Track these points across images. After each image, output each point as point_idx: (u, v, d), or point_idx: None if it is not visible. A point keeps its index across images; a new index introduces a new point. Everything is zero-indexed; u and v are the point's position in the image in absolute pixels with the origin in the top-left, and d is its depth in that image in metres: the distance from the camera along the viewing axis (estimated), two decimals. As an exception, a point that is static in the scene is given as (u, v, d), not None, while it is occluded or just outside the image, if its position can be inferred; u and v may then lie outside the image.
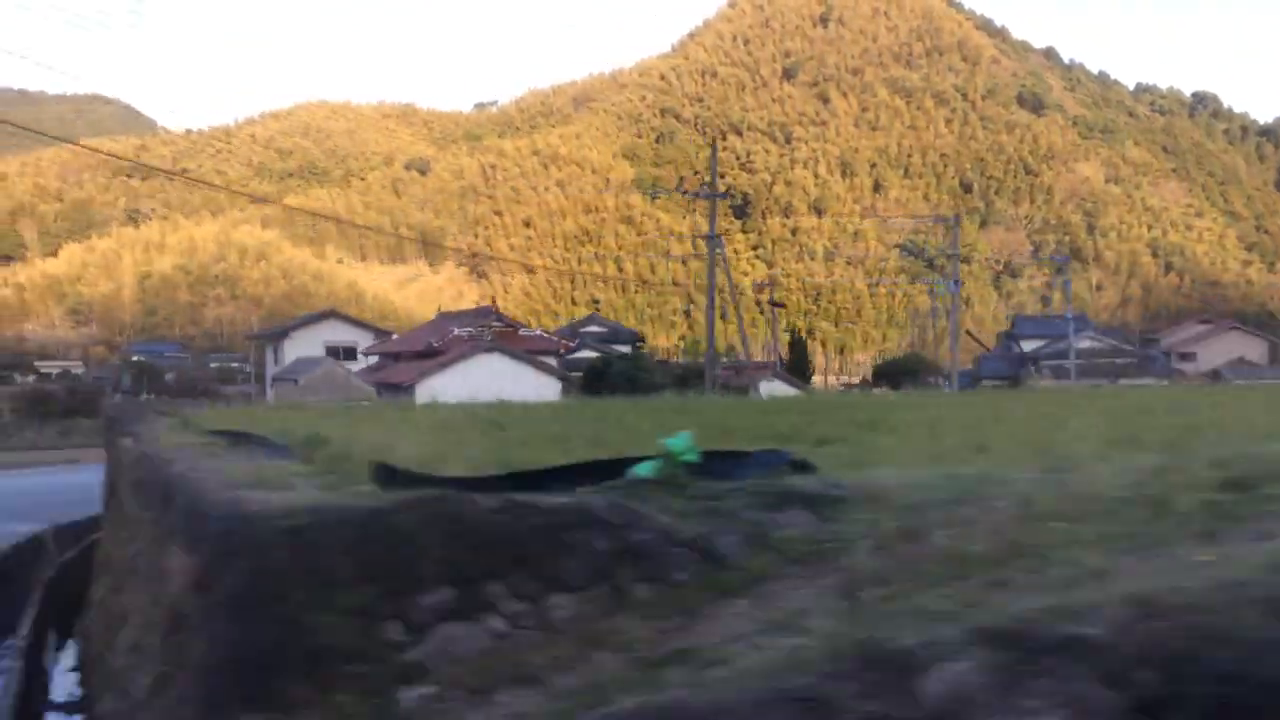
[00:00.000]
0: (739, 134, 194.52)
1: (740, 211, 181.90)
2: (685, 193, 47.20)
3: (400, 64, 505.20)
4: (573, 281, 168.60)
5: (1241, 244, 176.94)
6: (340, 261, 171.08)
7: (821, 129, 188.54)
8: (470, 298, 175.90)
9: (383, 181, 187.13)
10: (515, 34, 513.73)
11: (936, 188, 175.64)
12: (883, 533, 4.59)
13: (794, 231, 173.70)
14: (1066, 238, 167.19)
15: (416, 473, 5.83)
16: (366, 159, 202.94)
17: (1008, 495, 4.83)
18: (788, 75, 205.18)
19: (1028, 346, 66.41)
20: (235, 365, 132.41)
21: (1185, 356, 70.95)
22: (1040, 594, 2.98)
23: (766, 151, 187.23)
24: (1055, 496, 4.61)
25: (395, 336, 47.85)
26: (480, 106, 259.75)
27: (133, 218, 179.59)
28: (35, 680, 9.86)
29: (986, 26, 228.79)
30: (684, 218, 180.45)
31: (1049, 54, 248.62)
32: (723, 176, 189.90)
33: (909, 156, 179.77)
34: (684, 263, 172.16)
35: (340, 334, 46.98)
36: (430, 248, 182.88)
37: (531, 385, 35.93)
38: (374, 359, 42.71)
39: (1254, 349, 69.66)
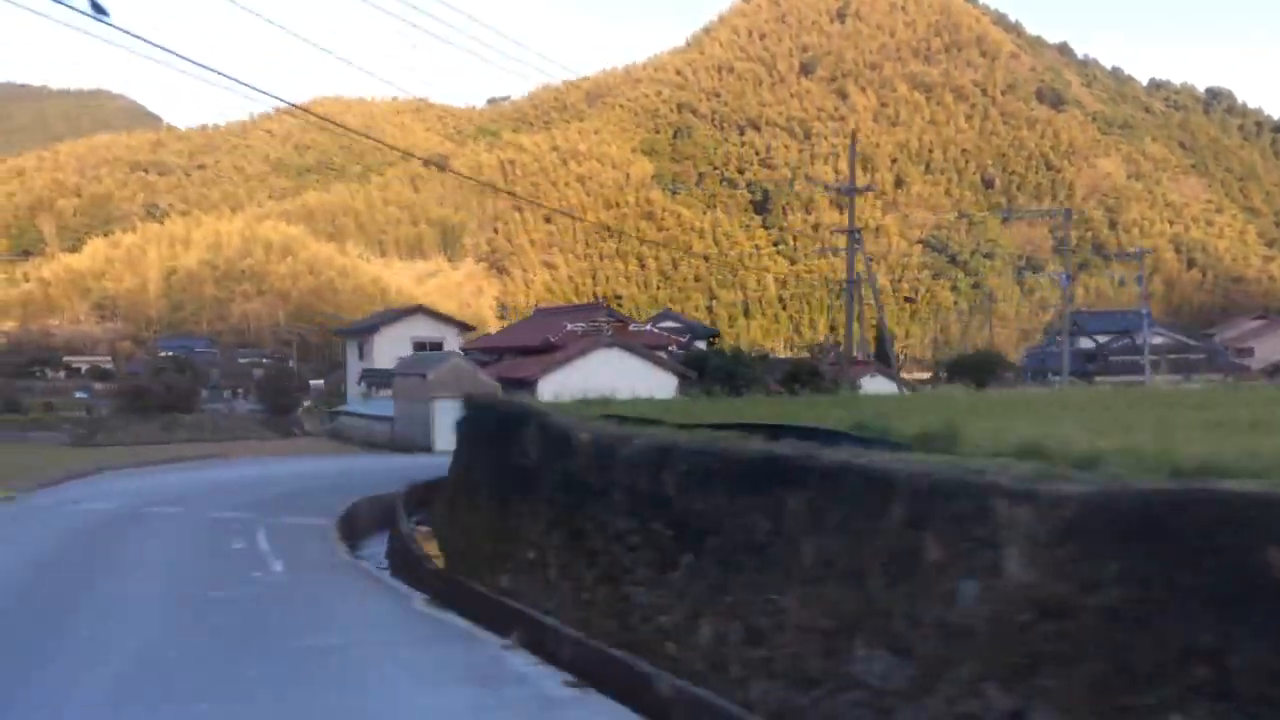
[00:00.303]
0: (757, 129, 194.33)
1: (760, 207, 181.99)
2: (829, 188, 46.82)
3: (413, 60, 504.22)
4: (594, 277, 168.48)
5: (1262, 240, 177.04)
6: (362, 257, 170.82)
7: (840, 124, 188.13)
8: (490, 293, 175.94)
9: (402, 177, 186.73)
10: (527, 30, 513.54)
11: (958, 183, 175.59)
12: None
13: (815, 227, 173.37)
14: (1089, 233, 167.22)
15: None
16: (384, 154, 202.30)
17: None
18: (805, 70, 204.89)
19: (1090, 342, 66.23)
20: (266, 361, 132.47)
21: (1242, 352, 70.98)
22: None
23: (785, 147, 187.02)
24: None
25: (494, 332, 47.45)
26: (493, 102, 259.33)
27: (151, 213, 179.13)
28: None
29: (1002, 22, 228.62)
30: (704, 213, 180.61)
31: (1063, 49, 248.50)
32: (741, 172, 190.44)
33: (930, 152, 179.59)
34: (705, 259, 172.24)
35: (426, 330, 46.76)
36: (449, 243, 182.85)
37: (649, 381, 35.77)
38: (473, 355, 42.46)
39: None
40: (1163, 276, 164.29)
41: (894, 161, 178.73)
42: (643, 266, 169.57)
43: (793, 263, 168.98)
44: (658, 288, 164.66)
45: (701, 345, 53.58)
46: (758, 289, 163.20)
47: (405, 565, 12.61)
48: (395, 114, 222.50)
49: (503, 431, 11.43)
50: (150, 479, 25.90)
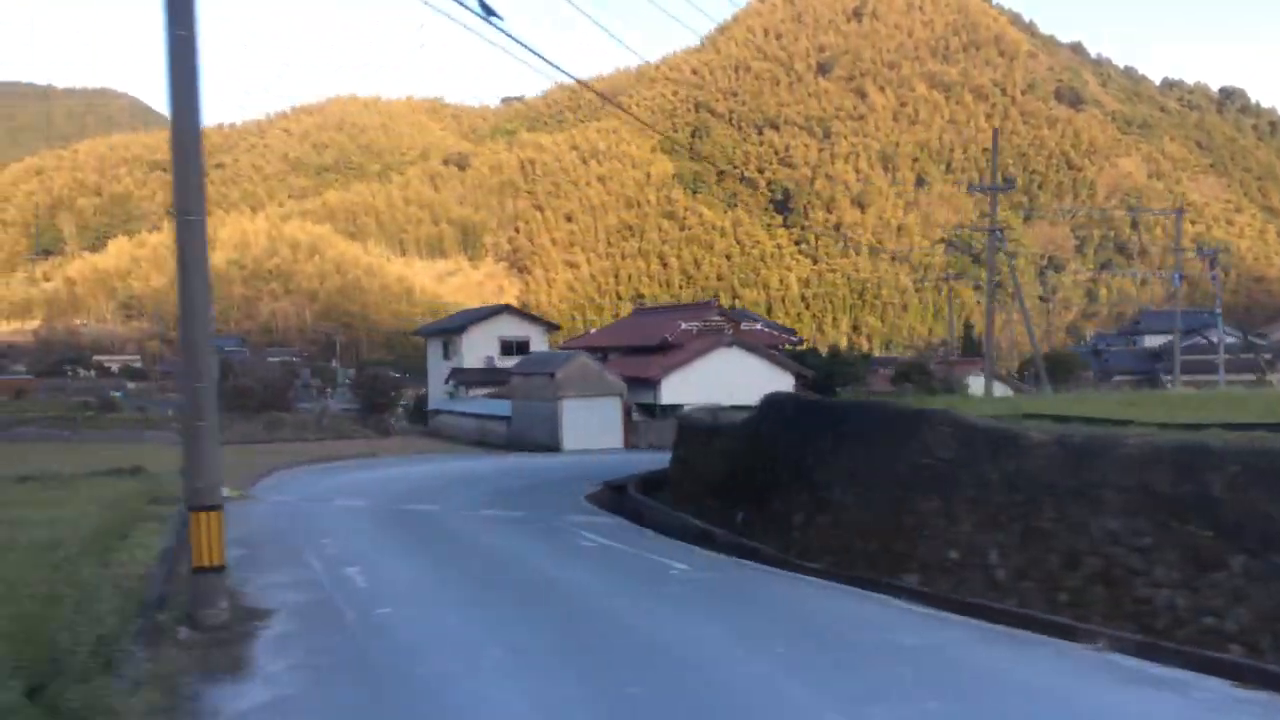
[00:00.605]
0: (776, 128, 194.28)
1: (782, 206, 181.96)
2: (973, 188, 46.42)
3: (427, 59, 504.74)
4: (616, 277, 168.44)
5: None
6: (384, 257, 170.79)
7: (860, 123, 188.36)
8: (511, 292, 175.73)
9: (421, 176, 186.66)
10: (540, 29, 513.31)
11: (979, 182, 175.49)
12: None
13: (837, 226, 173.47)
14: (1111, 233, 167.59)
15: None
16: (402, 153, 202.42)
17: None
18: (823, 70, 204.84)
19: (1153, 341, 66.22)
20: (295, 360, 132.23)
21: (1299, 351, 71.03)
22: None
23: (805, 146, 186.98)
24: None
25: (593, 331, 47.43)
26: (507, 101, 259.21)
27: (170, 212, 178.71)
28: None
29: (1017, 22, 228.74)
30: (725, 213, 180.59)
31: (1076, 49, 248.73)
32: (761, 171, 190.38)
33: (950, 151, 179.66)
34: (728, 258, 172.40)
35: (513, 329, 46.67)
36: (469, 242, 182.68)
37: (768, 380, 35.75)
38: (571, 353, 42.38)
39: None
40: (1186, 276, 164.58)
41: (915, 161, 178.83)
42: (664, 265, 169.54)
43: (815, 262, 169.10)
44: (680, 287, 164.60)
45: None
46: (780, 288, 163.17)
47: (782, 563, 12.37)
48: (411, 113, 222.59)
49: (886, 430, 11.38)
50: (341, 477, 25.69)
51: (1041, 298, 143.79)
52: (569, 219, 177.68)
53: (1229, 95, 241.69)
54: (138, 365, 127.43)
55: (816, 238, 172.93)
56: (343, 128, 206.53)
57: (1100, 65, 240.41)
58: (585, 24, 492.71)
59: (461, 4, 10.13)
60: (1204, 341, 60.59)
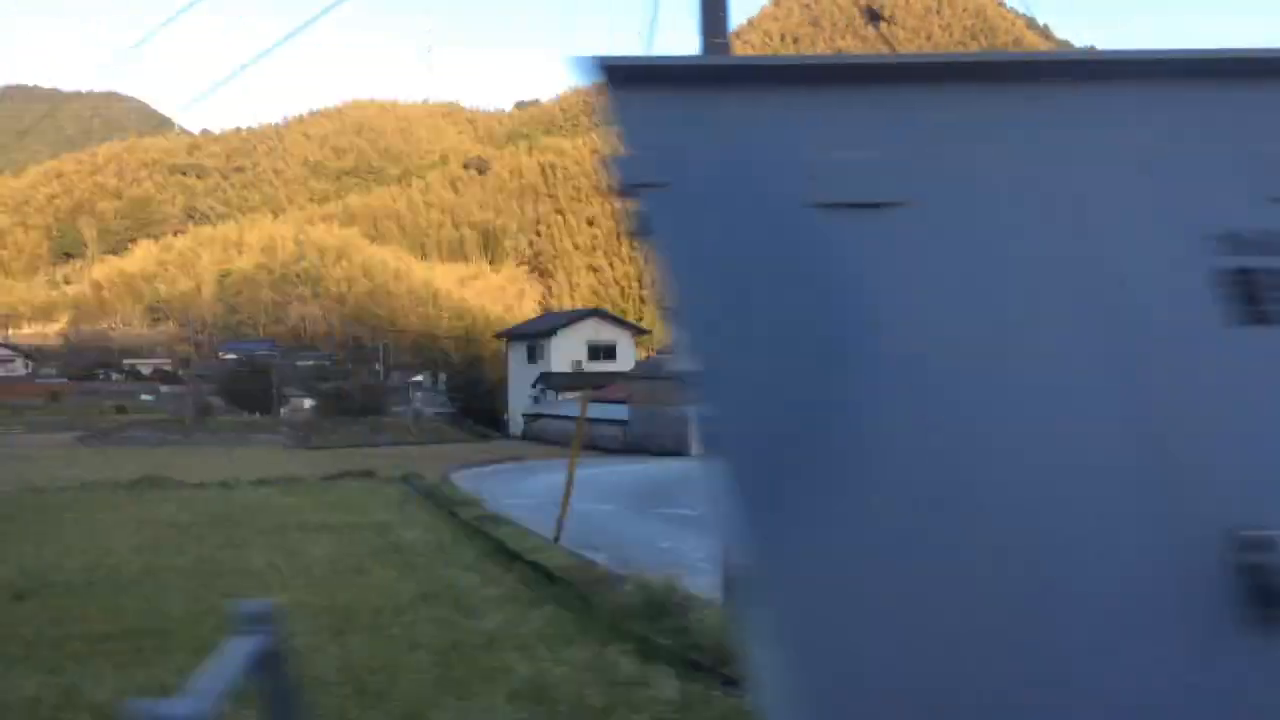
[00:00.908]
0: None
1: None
2: None
3: (433, 62, 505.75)
4: (640, 281, 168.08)
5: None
6: (403, 261, 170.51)
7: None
8: (533, 296, 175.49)
9: (441, 180, 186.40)
10: (552, 33, 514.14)
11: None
12: None
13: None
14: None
15: None
16: (420, 157, 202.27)
17: None
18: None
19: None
20: (325, 363, 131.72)
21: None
22: None
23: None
24: None
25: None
26: (522, 105, 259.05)
27: (191, 215, 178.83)
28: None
29: (1032, 26, 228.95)
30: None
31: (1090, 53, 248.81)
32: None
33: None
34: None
35: (602, 333, 46.46)
36: (490, 246, 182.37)
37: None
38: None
39: None
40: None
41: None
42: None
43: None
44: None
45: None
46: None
47: None
48: (428, 117, 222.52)
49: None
50: (535, 481, 25.53)
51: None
52: (591, 223, 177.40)
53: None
54: (167, 368, 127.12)
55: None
56: (361, 132, 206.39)
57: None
58: (595, 25, 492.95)
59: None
60: None
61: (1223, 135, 2.08)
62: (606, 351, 45.57)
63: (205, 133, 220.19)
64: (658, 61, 2.27)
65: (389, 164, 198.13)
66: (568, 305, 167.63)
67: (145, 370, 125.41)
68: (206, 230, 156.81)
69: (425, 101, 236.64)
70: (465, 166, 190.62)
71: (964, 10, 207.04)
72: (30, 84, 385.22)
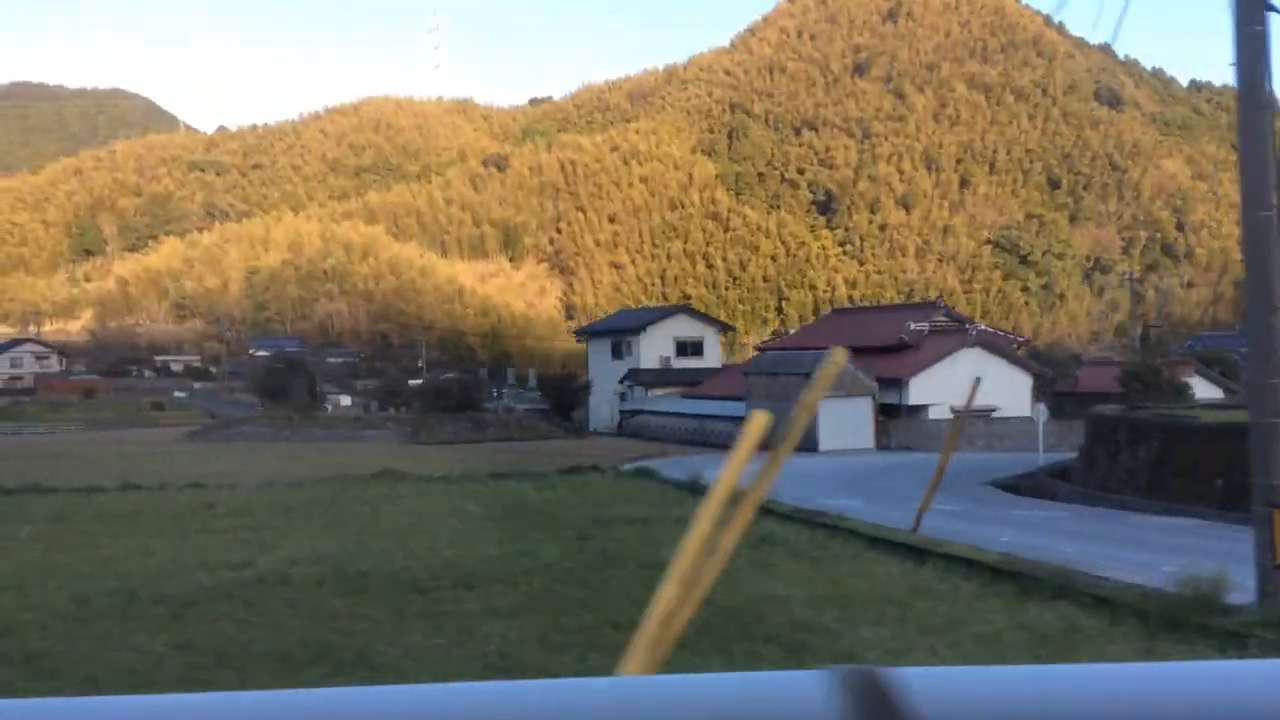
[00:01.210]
0: (814, 129, 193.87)
1: (825, 207, 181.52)
2: None
3: (440, 58, 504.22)
4: (663, 278, 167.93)
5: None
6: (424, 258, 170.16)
7: (900, 124, 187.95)
8: (554, 293, 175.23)
9: (462, 177, 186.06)
10: (565, 30, 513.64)
11: (1024, 184, 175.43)
12: None
13: (882, 227, 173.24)
14: (1158, 234, 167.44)
15: None
16: (437, 154, 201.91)
17: None
18: (859, 71, 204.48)
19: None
20: (355, 360, 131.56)
21: None
22: None
23: (846, 147, 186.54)
24: None
25: (791, 332, 47.07)
26: (535, 102, 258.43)
27: (211, 212, 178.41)
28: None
29: (1047, 23, 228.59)
30: (769, 214, 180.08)
31: (1105, 50, 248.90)
32: (801, 172, 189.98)
33: (994, 152, 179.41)
34: (773, 260, 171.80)
35: (688, 329, 46.18)
36: (510, 243, 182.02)
37: (1009, 381, 35.30)
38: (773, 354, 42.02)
39: None
40: (1231, 277, 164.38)
41: (959, 162, 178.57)
42: (710, 267, 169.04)
43: (861, 263, 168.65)
44: (726, 288, 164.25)
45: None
46: (827, 289, 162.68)
47: None
48: (444, 114, 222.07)
49: None
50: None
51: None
52: (612, 220, 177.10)
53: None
54: (198, 365, 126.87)
55: (862, 239, 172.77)
56: (378, 129, 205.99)
57: (1129, 67, 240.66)
58: (607, 23, 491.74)
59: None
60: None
61: None
62: (694, 348, 45.32)
63: (222, 130, 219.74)
64: None
65: (407, 161, 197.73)
66: (590, 303, 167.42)
67: (176, 367, 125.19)
68: (232, 227, 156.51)
69: (439, 98, 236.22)
70: (484, 163, 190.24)
71: (982, 7, 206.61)
72: (35, 81, 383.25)
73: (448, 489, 18.11)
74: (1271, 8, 10.19)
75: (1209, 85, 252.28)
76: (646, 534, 12.05)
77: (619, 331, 47.51)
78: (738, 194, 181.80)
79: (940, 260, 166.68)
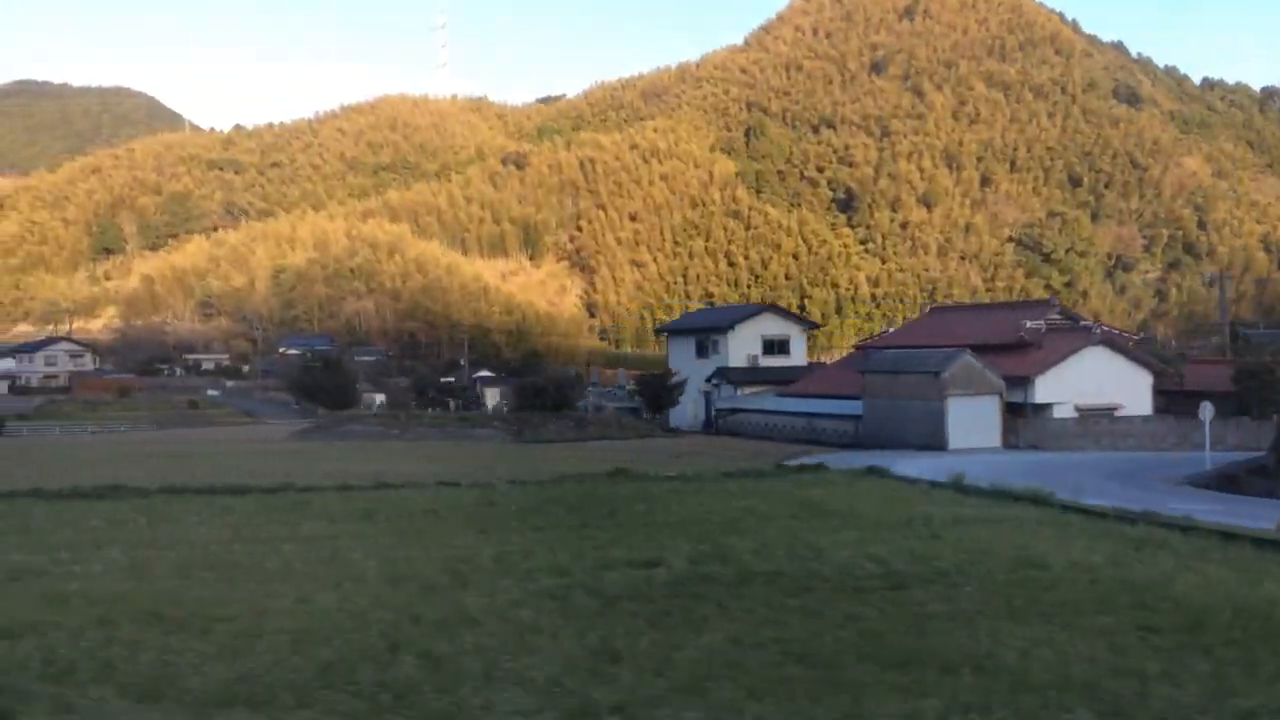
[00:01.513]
0: (833, 127, 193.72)
1: (845, 205, 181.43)
2: None
3: (456, 55, 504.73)
4: (685, 276, 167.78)
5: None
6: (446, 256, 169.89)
7: (919, 122, 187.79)
8: (574, 291, 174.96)
9: (481, 175, 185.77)
10: (572, 28, 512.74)
11: (1045, 181, 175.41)
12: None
13: (903, 225, 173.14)
14: (1179, 232, 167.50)
15: None
16: (455, 152, 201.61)
17: None
18: (876, 69, 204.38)
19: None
20: (382, 359, 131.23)
21: None
22: None
23: (865, 145, 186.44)
24: None
25: (890, 330, 46.96)
26: (547, 100, 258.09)
27: (230, 211, 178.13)
28: None
29: (1064, 21, 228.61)
30: (789, 212, 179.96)
31: (1119, 48, 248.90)
32: (821, 170, 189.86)
33: (1014, 150, 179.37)
34: (795, 258, 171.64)
35: (774, 328, 46.17)
36: (530, 241, 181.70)
37: (1130, 379, 35.16)
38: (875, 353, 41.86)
39: None
40: (1253, 275, 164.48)
41: (979, 160, 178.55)
42: (732, 265, 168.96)
43: (883, 261, 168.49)
44: (748, 286, 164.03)
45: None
46: (849, 288, 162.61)
47: None
48: (460, 112, 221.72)
49: None
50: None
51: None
52: (633, 218, 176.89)
53: (1271, 94, 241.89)
54: (227, 363, 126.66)
55: (883, 237, 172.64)
56: (395, 127, 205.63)
57: (1143, 65, 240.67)
58: (622, 21, 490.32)
59: None
60: None
61: None
62: (780, 346, 45.29)
63: (238, 128, 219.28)
64: None
65: (425, 159, 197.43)
66: (612, 301, 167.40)
67: (207, 365, 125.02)
68: (257, 225, 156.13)
69: (454, 97, 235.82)
70: (504, 161, 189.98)
71: (1000, 5, 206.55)
72: (39, 79, 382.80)
73: (725, 488, 17.80)
74: None
75: (1222, 83, 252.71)
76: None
77: (704, 330, 47.50)
78: (758, 192, 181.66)
79: (962, 258, 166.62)
